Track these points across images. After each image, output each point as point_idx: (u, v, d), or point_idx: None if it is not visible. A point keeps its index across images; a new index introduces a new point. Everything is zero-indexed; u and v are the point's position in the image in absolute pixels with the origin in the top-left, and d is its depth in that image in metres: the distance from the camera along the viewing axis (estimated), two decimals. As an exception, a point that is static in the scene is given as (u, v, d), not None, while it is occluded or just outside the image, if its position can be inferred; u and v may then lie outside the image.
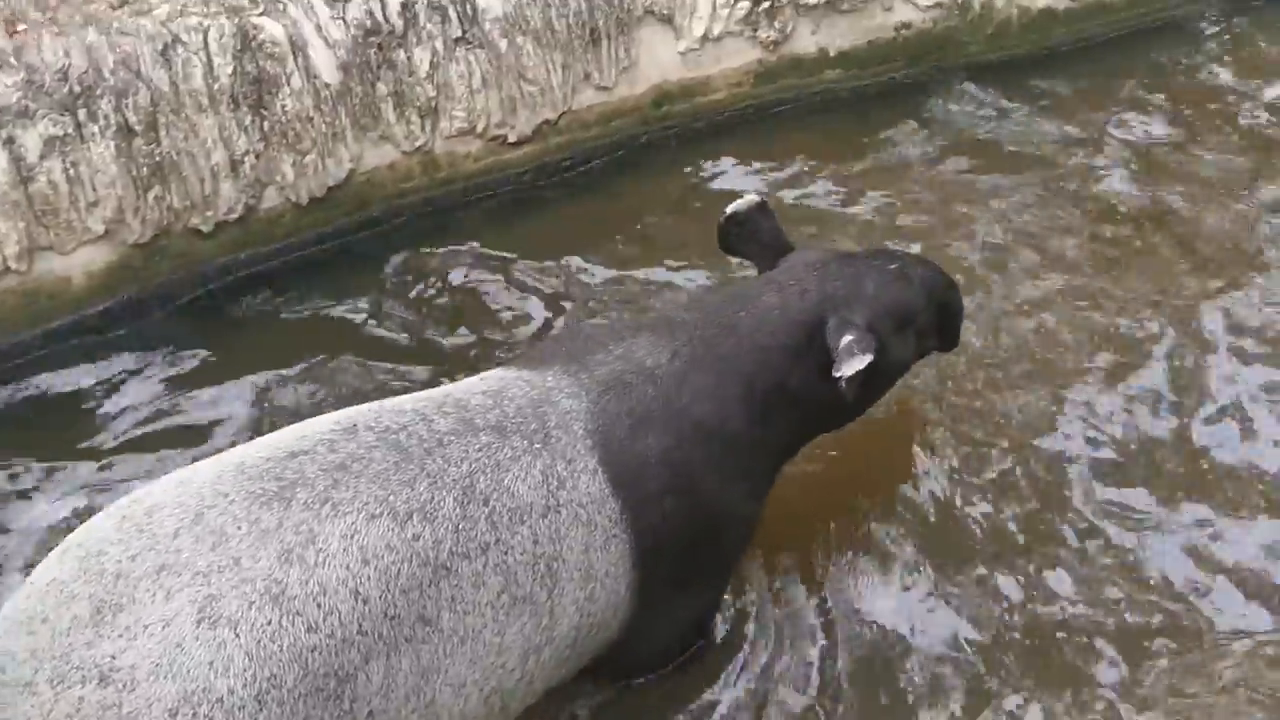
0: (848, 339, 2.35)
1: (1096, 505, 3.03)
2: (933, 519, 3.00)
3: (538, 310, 3.57)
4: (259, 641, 1.78)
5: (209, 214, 3.51)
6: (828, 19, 4.35)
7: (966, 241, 3.82)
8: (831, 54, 4.41)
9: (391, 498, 1.97)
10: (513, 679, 2.14)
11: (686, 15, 4.16)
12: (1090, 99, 4.52)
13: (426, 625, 1.96)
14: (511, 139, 3.99)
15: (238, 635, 1.77)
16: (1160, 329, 3.48)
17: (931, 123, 4.38)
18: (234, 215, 3.56)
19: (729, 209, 2.66)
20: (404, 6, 3.70)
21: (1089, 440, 3.19)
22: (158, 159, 3.39)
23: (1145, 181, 4.10)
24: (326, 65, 3.60)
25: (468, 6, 3.79)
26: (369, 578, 1.90)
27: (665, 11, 4.12)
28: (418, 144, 3.82)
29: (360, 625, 1.88)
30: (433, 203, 3.90)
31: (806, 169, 4.15)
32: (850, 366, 2.31)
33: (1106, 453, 3.17)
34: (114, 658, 1.71)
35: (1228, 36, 4.87)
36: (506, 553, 2.07)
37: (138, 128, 3.34)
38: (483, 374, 2.40)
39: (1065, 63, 4.69)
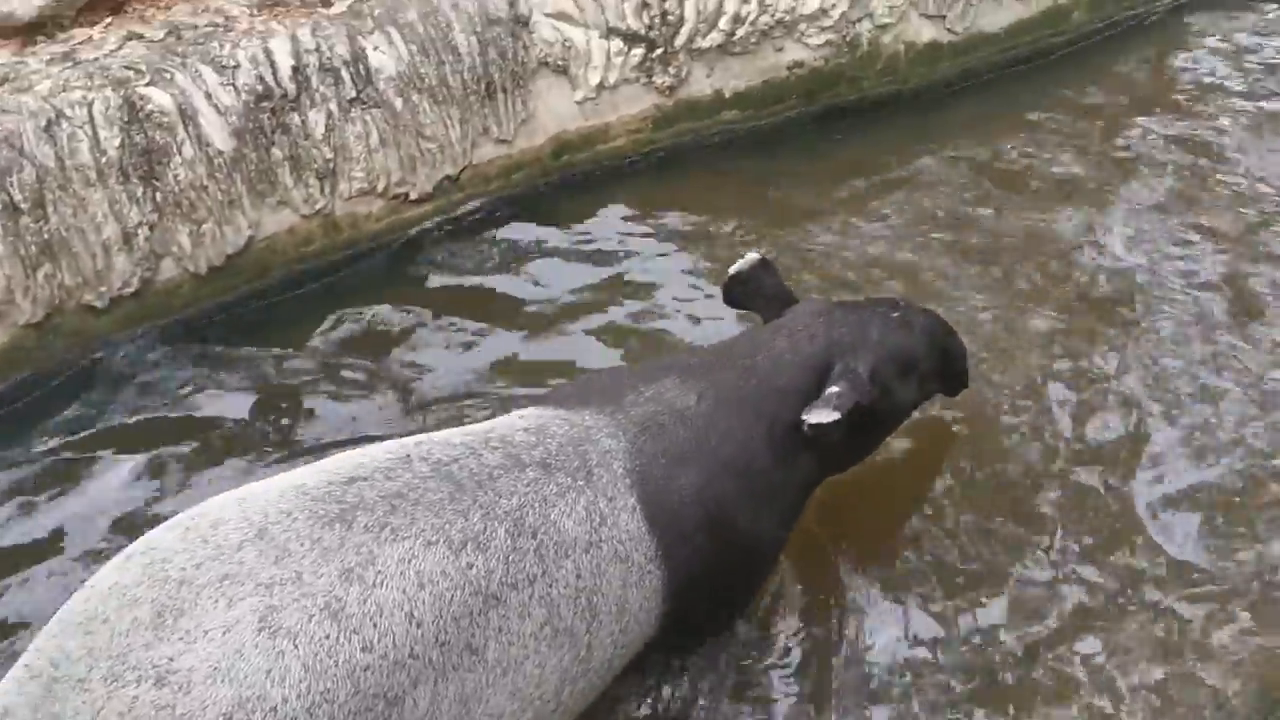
0: (831, 389, 2.47)
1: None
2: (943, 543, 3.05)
3: (442, 372, 3.52)
4: (316, 655, 1.81)
5: (103, 289, 3.43)
6: (721, 62, 4.42)
7: (867, 270, 3.90)
8: (727, 96, 4.48)
9: (447, 526, 2.03)
10: (547, 710, 2.16)
11: (581, 65, 4.19)
12: (975, 130, 4.65)
13: (473, 654, 2.00)
14: (413, 196, 3.97)
15: (296, 647, 1.80)
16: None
17: (829, 158, 4.46)
18: (130, 289, 3.48)
19: (732, 270, 2.81)
20: (295, 70, 3.67)
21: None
22: (46, 236, 3.31)
23: (1008, 203, 4.25)
24: (218, 132, 3.55)
25: (361, 67, 3.78)
26: (424, 602, 1.94)
27: (560, 63, 4.15)
28: (317, 207, 3.79)
29: (412, 649, 1.91)
30: (336, 265, 3.86)
31: (708, 209, 4.20)
32: (816, 416, 2.41)
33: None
34: (172, 660, 1.74)
35: (1102, 62, 5.07)
36: (551, 585, 2.12)
37: (24, 206, 3.26)
38: (520, 411, 2.45)
39: (951, 95, 4.82)
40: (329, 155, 3.76)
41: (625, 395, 2.45)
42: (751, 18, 4.37)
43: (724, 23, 4.34)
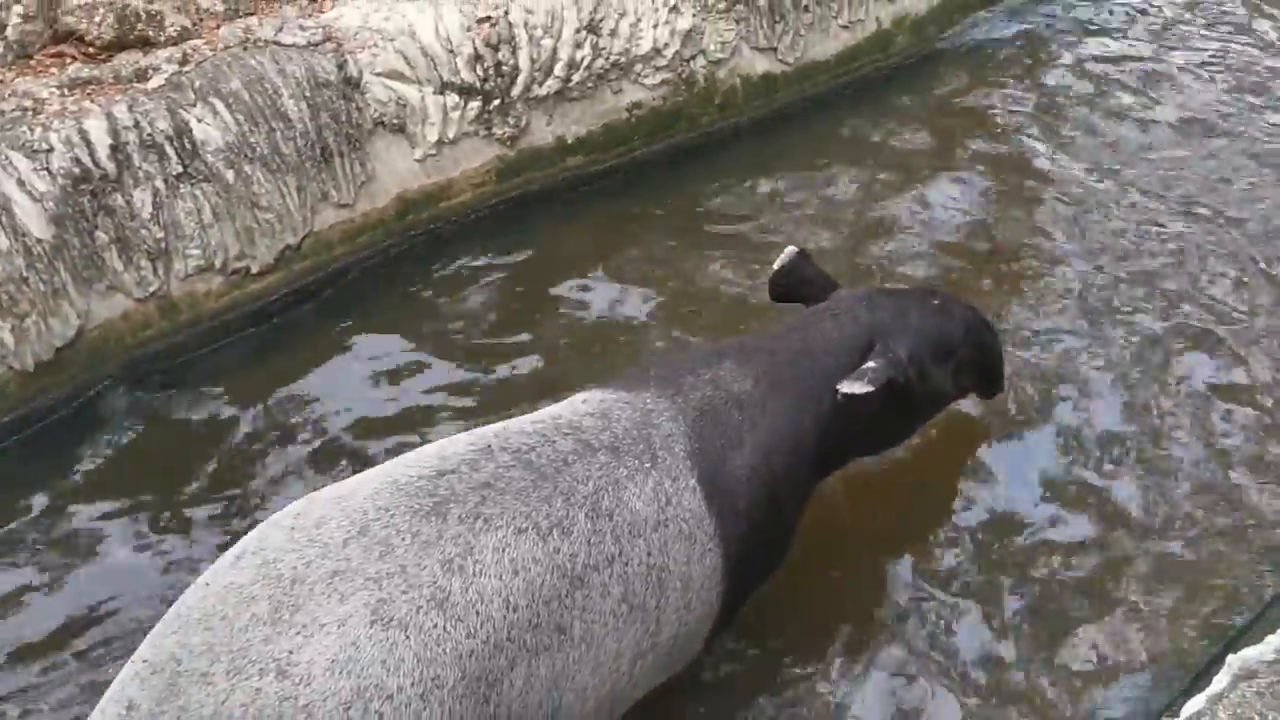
0: (868, 364, 2.65)
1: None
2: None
3: (291, 455, 3.40)
4: (425, 644, 1.92)
5: (-81, 397, 3.21)
6: (560, 108, 4.41)
7: (726, 305, 3.91)
8: (570, 141, 4.46)
9: (534, 514, 2.13)
10: (622, 682, 2.27)
11: (419, 123, 4.12)
12: (813, 156, 4.74)
13: (561, 634, 2.11)
14: (255, 270, 3.83)
15: (408, 637, 1.91)
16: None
17: (677, 198, 4.48)
18: (-51, 394, 3.26)
19: (775, 265, 2.97)
20: (114, 148, 3.51)
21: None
22: None
23: (857, 228, 4.34)
24: (35, 220, 3.37)
25: (186, 140, 3.64)
26: (518, 588, 2.05)
27: (396, 121, 4.08)
28: (151, 289, 3.62)
29: (509, 633, 2.03)
30: (177, 348, 3.69)
31: (554, 258, 4.16)
32: (849, 387, 2.59)
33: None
34: (291, 653, 1.83)
35: (925, 83, 5.24)
36: (626, 564, 2.23)
37: None
38: (582, 395, 2.54)
39: (788, 124, 4.90)
40: (159, 234, 3.60)
41: (684, 379, 2.56)
42: (586, 62, 4.38)
43: (559, 69, 4.33)
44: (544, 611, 2.08)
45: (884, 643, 2.95)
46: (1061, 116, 5.00)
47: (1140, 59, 5.39)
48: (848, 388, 2.58)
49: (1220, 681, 2.20)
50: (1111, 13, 5.72)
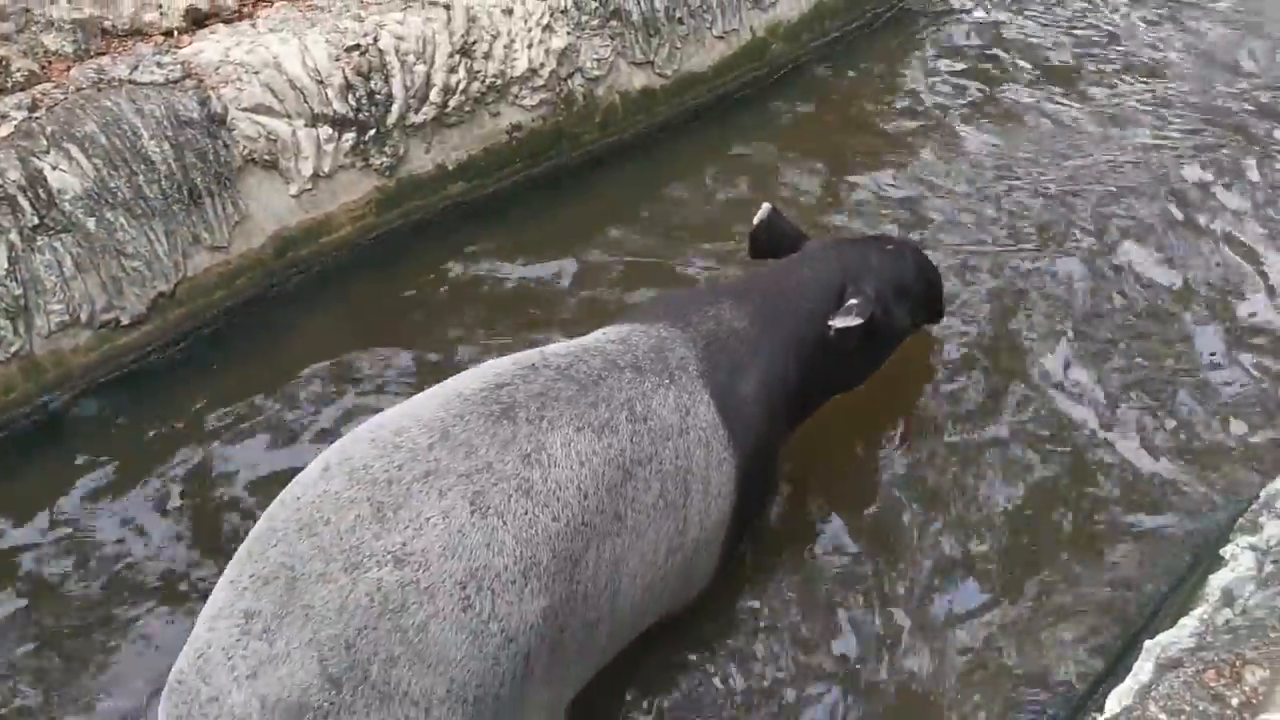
0: (851, 301, 2.98)
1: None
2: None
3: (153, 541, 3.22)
4: (520, 528, 2.17)
5: None
6: (438, 134, 4.30)
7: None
8: (450, 168, 4.35)
9: (586, 415, 2.40)
10: (658, 576, 2.52)
11: (291, 158, 3.97)
12: (696, 167, 4.72)
13: (619, 521, 2.37)
14: (125, 321, 3.63)
15: (504, 523, 2.16)
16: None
17: (560, 217, 4.40)
18: None
19: (754, 221, 3.27)
20: (-38, 204, 3.30)
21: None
22: None
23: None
24: (-123, 286, 3.13)
25: (40, 190, 3.44)
26: (586, 477, 2.32)
27: (268, 158, 3.92)
28: (13, 349, 3.40)
29: (584, 517, 2.29)
30: (44, 409, 3.47)
31: (435, 289, 4.06)
32: (842, 320, 2.93)
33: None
34: (404, 545, 2.06)
35: (807, 87, 5.27)
36: (661, 464, 2.51)
37: None
38: (603, 329, 2.83)
39: (670, 137, 4.88)
40: (17, 291, 3.39)
41: (691, 315, 2.87)
42: (462, 86, 4.28)
43: (435, 95, 4.22)
44: (607, 499, 2.34)
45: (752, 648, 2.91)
46: (929, 116, 5.08)
47: (1000, 65, 5.51)
48: (840, 322, 2.92)
49: (1144, 671, 2.21)
50: (973, 20, 5.84)
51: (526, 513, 2.18)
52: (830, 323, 2.94)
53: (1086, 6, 5.89)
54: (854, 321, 2.92)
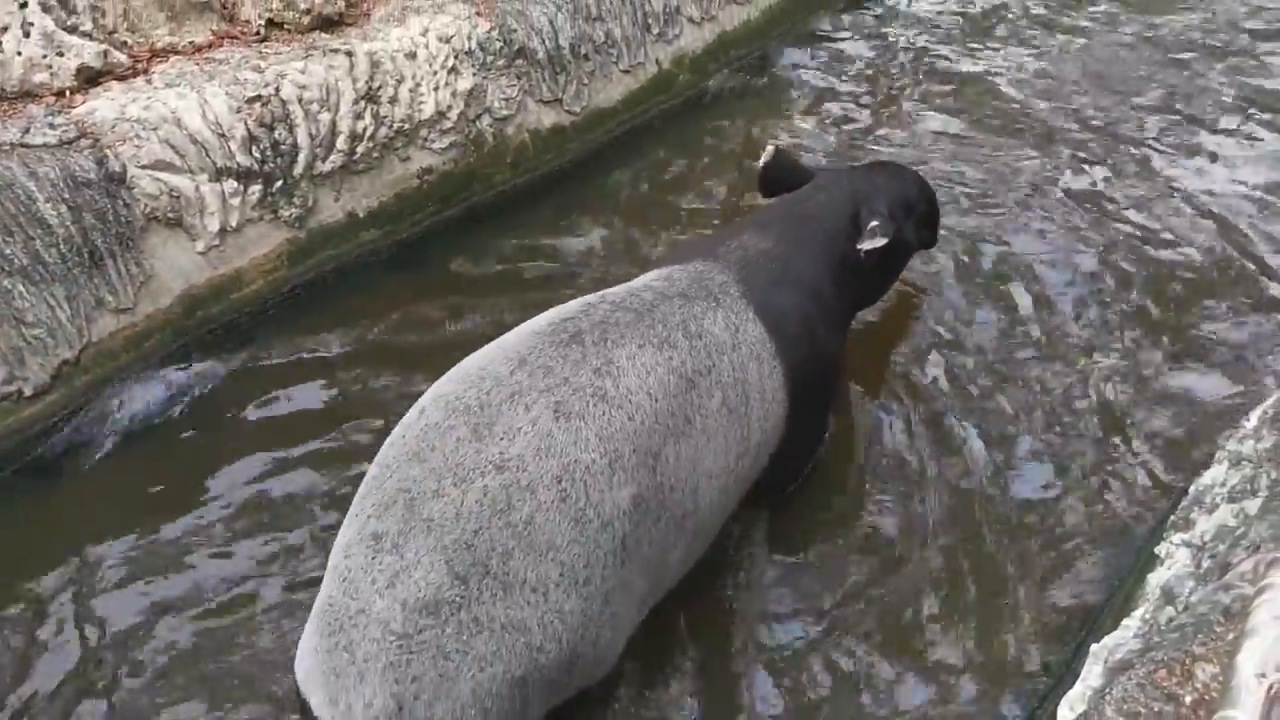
0: (873, 224, 3.25)
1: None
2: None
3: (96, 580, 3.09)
4: (601, 427, 2.41)
5: None
6: (347, 182, 4.22)
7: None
8: (361, 215, 4.28)
9: (647, 333, 2.64)
10: (730, 478, 2.74)
11: (196, 214, 3.86)
12: (610, 200, 4.71)
13: (689, 423, 2.59)
14: (28, 392, 3.48)
15: (586, 423, 2.39)
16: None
17: (478, 258, 4.35)
18: None
19: (761, 162, 3.48)
20: None
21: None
22: None
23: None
24: None
25: (-70, 261, 3.29)
26: (653, 384, 2.55)
27: (171, 215, 3.80)
28: (-92, 429, 3.24)
29: (656, 418, 2.51)
30: (-54, 490, 3.31)
31: (357, 336, 3.98)
32: (870, 244, 3.22)
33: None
34: (502, 453, 2.30)
35: (714, 116, 5.31)
36: (720, 375, 2.72)
37: None
38: (642, 276, 3.02)
39: (584, 173, 4.86)
40: (-90, 369, 3.23)
41: (718, 248, 3.11)
42: (369, 132, 4.22)
43: (341, 142, 4.15)
44: (674, 403, 2.56)
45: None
46: (832, 138, 5.15)
47: (897, 82, 5.62)
48: (868, 245, 3.21)
49: (1093, 675, 2.21)
50: (872, 46, 5.96)
51: (604, 414, 2.41)
52: (859, 246, 3.21)
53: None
54: (880, 243, 3.19)
